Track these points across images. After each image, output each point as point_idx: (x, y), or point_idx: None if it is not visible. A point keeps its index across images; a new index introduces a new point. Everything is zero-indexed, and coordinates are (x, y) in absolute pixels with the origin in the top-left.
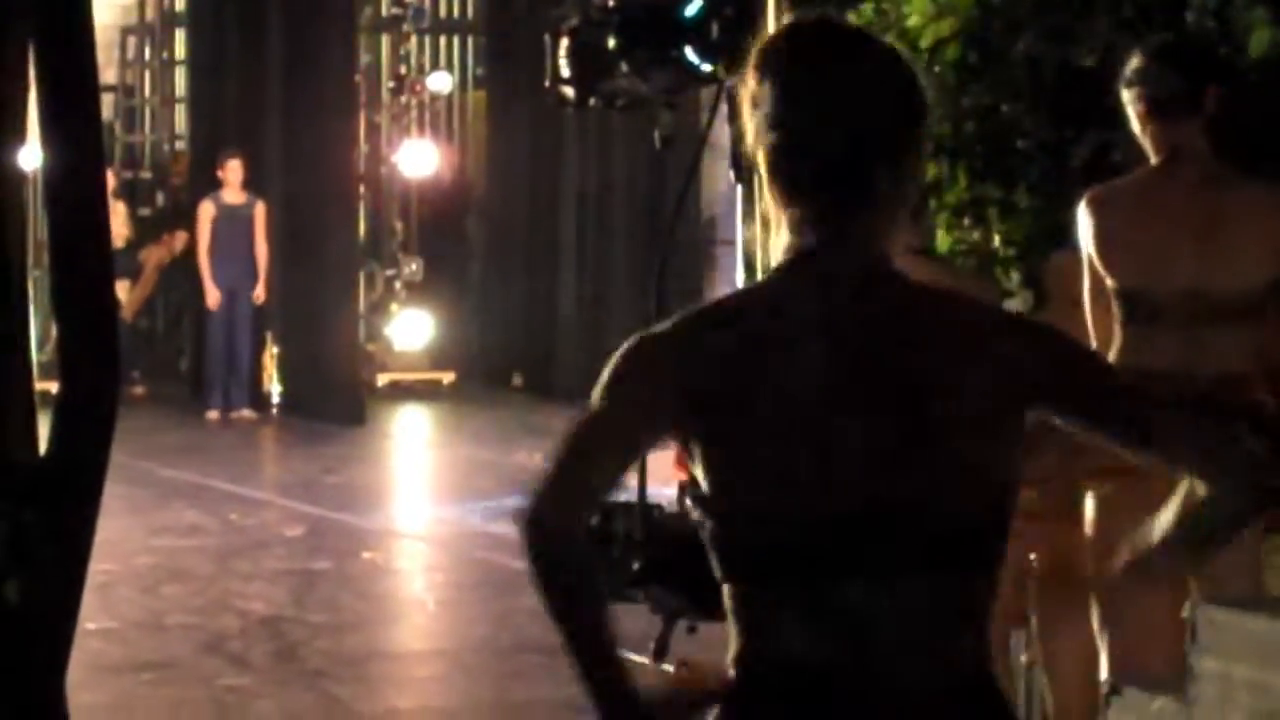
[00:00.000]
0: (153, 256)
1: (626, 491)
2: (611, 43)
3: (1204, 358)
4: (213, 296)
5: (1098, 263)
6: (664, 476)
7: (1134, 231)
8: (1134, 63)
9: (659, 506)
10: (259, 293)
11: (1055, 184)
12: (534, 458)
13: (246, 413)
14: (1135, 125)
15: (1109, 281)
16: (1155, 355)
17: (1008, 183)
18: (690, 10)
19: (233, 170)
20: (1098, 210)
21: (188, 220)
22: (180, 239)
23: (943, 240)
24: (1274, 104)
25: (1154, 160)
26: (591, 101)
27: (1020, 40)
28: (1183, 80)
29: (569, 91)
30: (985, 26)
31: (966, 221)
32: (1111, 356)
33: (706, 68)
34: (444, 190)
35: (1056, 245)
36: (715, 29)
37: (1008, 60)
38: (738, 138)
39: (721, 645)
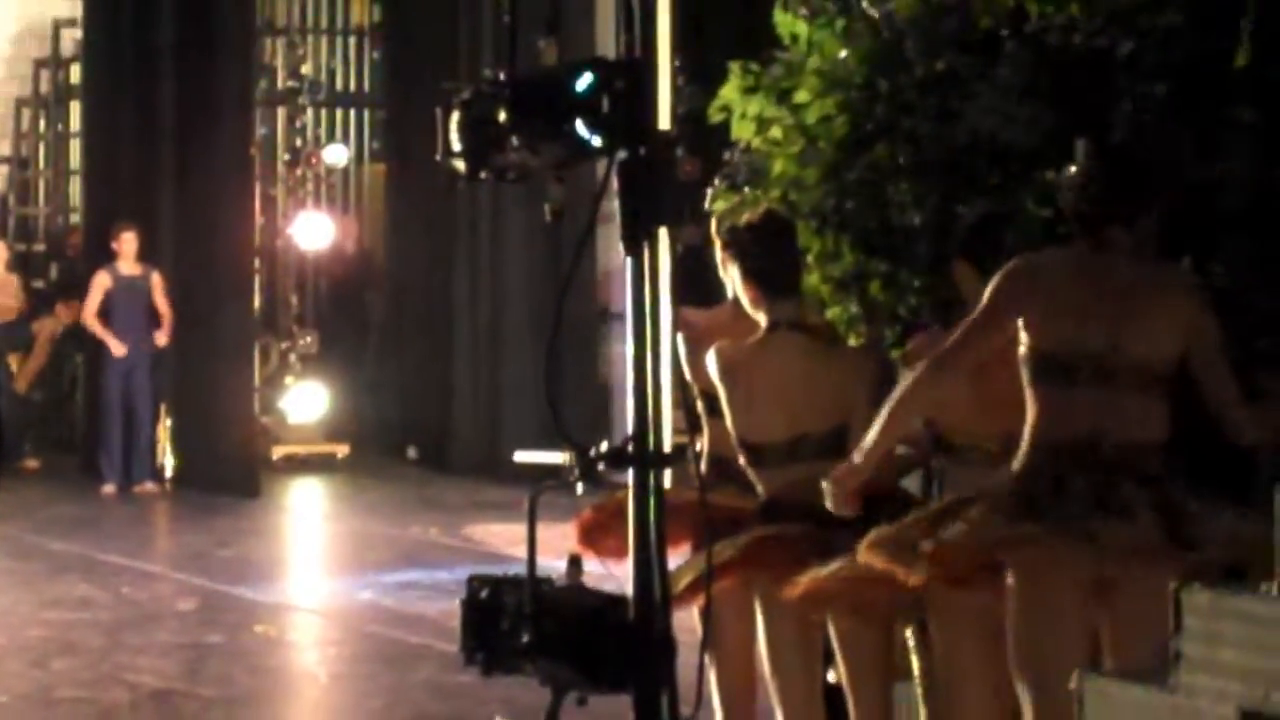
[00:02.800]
0: (45, 328)
1: (516, 565)
2: (502, 116)
3: (1114, 423)
4: (117, 347)
5: (1020, 327)
6: (555, 550)
7: (1054, 300)
8: (1074, 166)
9: (549, 580)
10: (162, 337)
11: (940, 260)
12: (428, 532)
13: (149, 485)
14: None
15: (1026, 343)
16: (1068, 421)
17: (893, 257)
18: (581, 85)
19: (127, 242)
20: (1022, 274)
21: (83, 293)
22: (74, 309)
23: (828, 312)
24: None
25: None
26: (482, 175)
27: (905, 120)
28: (1116, 194)
29: (460, 164)
30: (871, 103)
31: (849, 295)
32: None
33: (596, 141)
34: (341, 263)
35: (941, 321)
36: (605, 103)
37: (893, 137)
38: (629, 211)
39: (608, 716)
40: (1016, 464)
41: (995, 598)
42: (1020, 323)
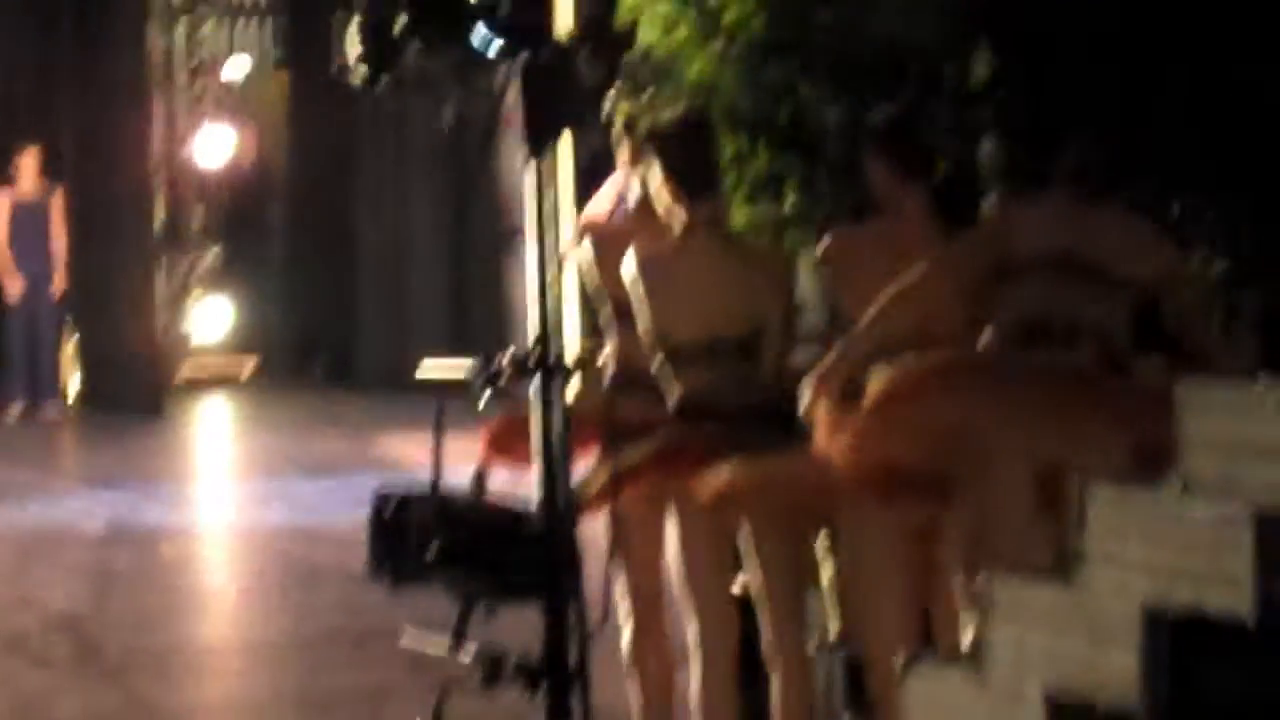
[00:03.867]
0: None
1: (423, 479)
2: (402, 22)
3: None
4: (14, 285)
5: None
6: (463, 462)
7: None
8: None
9: (455, 493)
10: (56, 285)
11: (853, 161)
12: (335, 447)
13: (53, 406)
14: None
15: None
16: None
17: (809, 158)
18: None
19: (26, 163)
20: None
21: None
22: None
23: (739, 214)
24: None
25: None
26: (383, 81)
27: (819, 19)
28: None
29: (360, 71)
30: (786, 4)
31: (764, 196)
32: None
33: (496, 46)
34: (244, 176)
35: (854, 220)
36: (505, 6)
37: (808, 37)
38: (530, 116)
39: (519, 629)
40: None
41: (905, 509)
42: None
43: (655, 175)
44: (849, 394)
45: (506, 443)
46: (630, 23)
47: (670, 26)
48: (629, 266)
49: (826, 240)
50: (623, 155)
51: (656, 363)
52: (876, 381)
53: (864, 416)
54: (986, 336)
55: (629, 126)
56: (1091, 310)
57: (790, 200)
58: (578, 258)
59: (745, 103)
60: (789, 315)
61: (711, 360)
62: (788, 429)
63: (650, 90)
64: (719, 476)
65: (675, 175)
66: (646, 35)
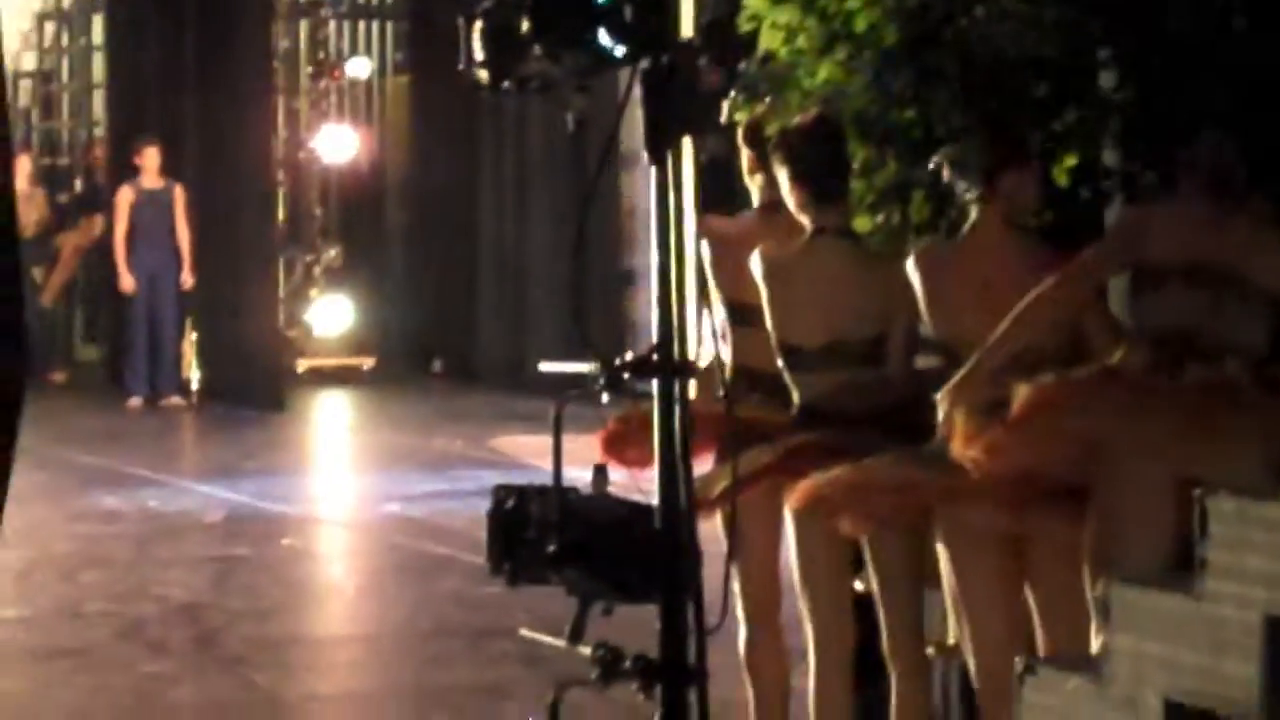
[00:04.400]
0: (70, 241)
1: (542, 476)
2: (525, 26)
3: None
4: (127, 282)
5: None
6: (582, 461)
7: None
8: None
9: (575, 490)
10: (186, 277)
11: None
12: (454, 443)
13: (175, 399)
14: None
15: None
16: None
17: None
18: None
19: (149, 156)
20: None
21: (107, 206)
22: (97, 223)
23: (862, 223)
24: None
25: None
26: (505, 85)
27: (951, 27)
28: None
29: (483, 75)
30: (920, 12)
31: (891, 205)
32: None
33: (618, 50)
34: (364, 176)
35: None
36: (628, 12)
37: (940, 46)
38: (651, 120)
39: (636, 627)
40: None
41: (995, 514)
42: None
43: (784, 178)
44: (984, 406)
45: (622, 444)
46: (751, 30)
47: (791, 35)
48: (755, 268)
49: (912, 257)
50: (744, 161)
51: (780, 363)
52: (1021, 393)
53: (1005, 427)
54: (1124, 348)
55: (751, 133)
56: (1232, 322)
57: (917, 208)
58: (700, 260)
59: (874, 110)
60: (913, 321)
61: (834, 364)
62: (912, 435)
63: (770, 97)
64: (809, 483)
65: (804, 179)
66: (767, 42)
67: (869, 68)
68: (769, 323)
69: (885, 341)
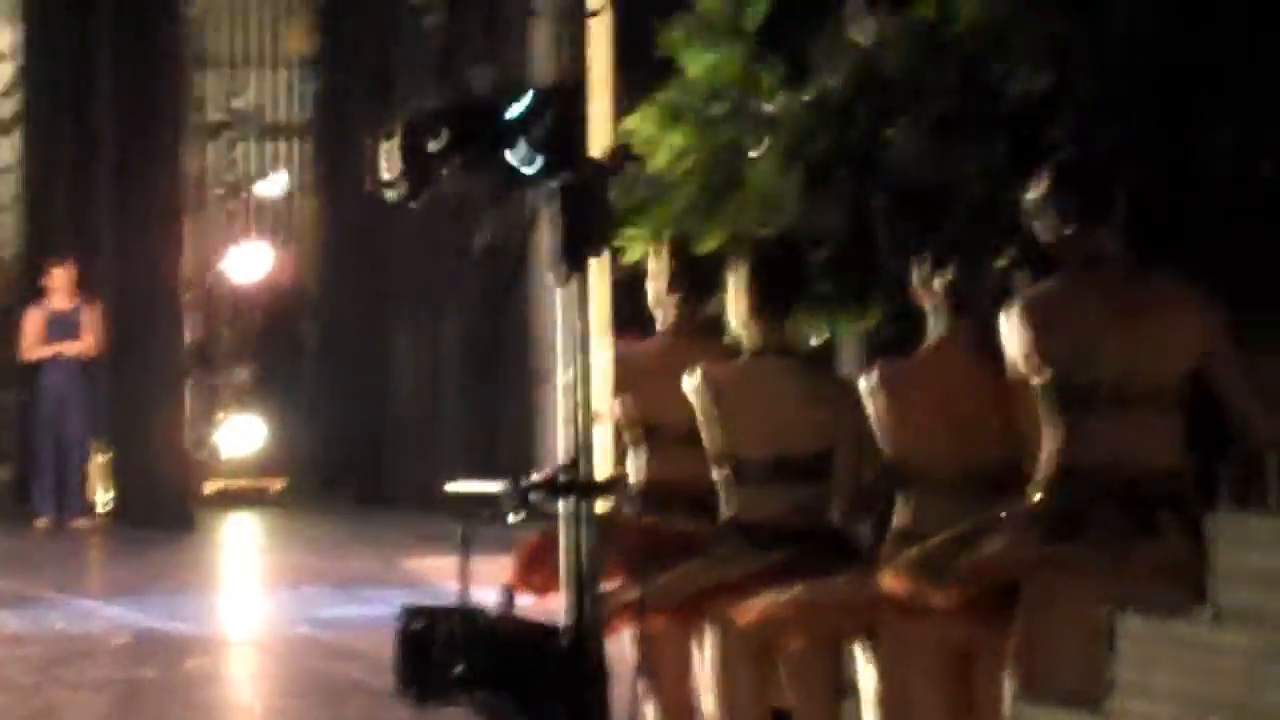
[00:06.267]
0: None
1: (452, 597)
2: (436, 145)
3: (1136, 448)
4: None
5: (1029, 362)
6: (491, 581)
7: (1061, 328)
8: (1043, 185)
9: (482, 610)
10: (88, 344)
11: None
12: (365, 564)
13: (82, 520)
14: (1051, 245)
15: (1038, 379)
16: (1090, 448)
17: (869, 276)
18: (513, 112)
19: (58, 278)
20: (1026, 311)
21: (16, 328)
22: None
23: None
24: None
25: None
26: (418, 200)
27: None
28: (1088, 195)
29: (392, 193)
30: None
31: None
32: (1046, 451)
33: (530, 169)
34: (275, 295)
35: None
36: (539, 133)
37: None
38: (561, 239)
39: None
40: (1039, 491)
41: (947, 627)
42: (1034, 355)
43: (739, 287)
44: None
45: (536, 566)
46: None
47: (683, 155)
48: (692, 386)
49: (872, 374)
50: (658, 279)
51: (719, 479)
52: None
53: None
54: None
55: (678, 248)
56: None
57: (844, 320)
58: (608, 378)
59: (807, 215)
60: (860, 437)
61: (778, 478)
62: (849, 554)
63: (673, 220)
64: (762, 603)
65: (758, 296)
66: (660, 162)
67: (800, 175)
68: (709, 439)
69: (832, 455)
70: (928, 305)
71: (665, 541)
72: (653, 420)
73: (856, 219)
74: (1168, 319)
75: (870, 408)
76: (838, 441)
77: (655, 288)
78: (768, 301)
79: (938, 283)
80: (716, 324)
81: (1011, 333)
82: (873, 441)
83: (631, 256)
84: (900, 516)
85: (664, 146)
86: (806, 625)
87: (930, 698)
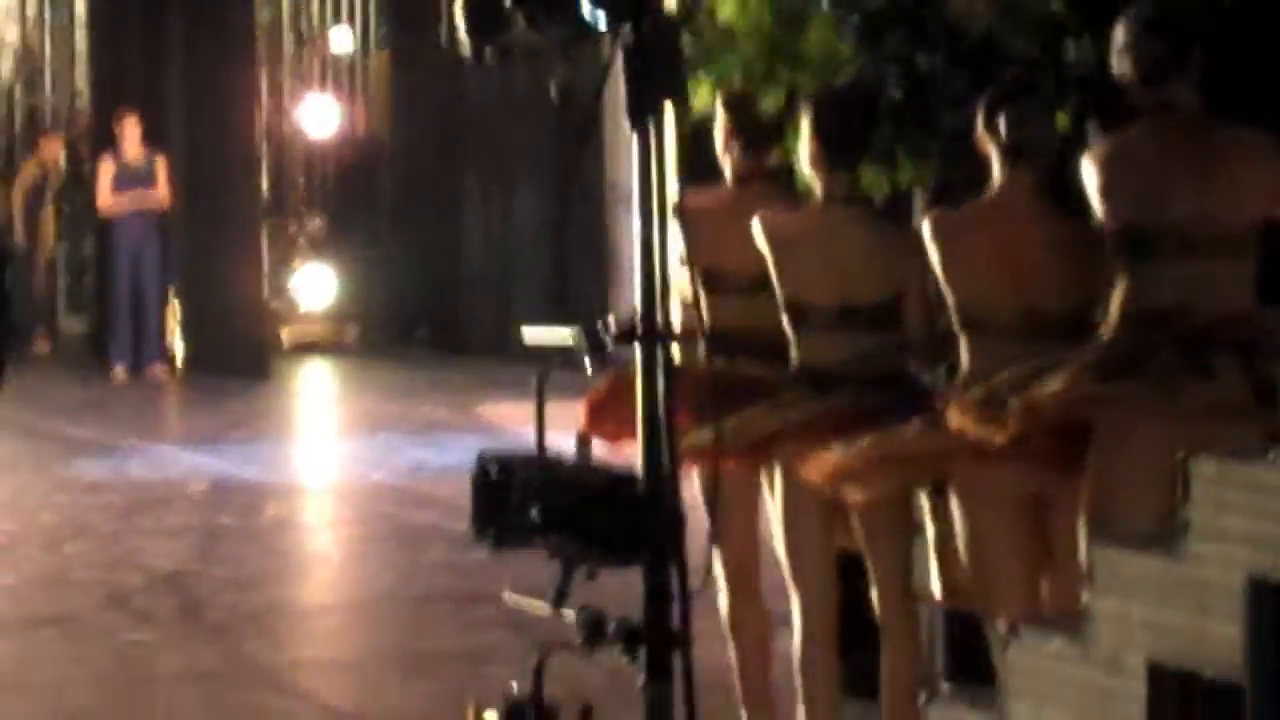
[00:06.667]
0: (28, 170)
1: (526, 443)
2: None
3: (1202, 295)
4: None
5: (1100, 209)
6: (566, 428)
7: (1133, 173)
8: (1122, 31)
9: (558, 456)
10: (162, 195)
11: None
12: (439, 411)
13: (159, 369)
14: (1129, 88)
15: (1108, 224)
16: (1156, 294)
17: (926, 129)
18: None
19: (129, 128)
20: (1095, 160)
21: (90, 178)
22: (54, 145)
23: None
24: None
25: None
26: (488, 55)
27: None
28: (1170, 45)
29: (464, 46)
30: None
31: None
32: (1114, 298)
33: (601, 20)
34: (348, 147)
35: (968, 190)
36: None
37: (925, 11)
38: (633, 88)
39: (620, 592)
40: (1105, 334)
41: (1023, 473)
42: (1105, 201)
43: (807, 133)
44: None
45: (605, 414)
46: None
47: (742, 7)
48: (758, 234)
49: (928, 222)
50: (720, 129)
51: (787, 325)
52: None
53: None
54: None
55: (736, 101)
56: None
57: (906, 171)
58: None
59: (861, 74)
60: (927, 286)
61: (847, 327)
62: (916, 401)
63: (741, 67)
64: (832, 456)
65: (825, 143)
66: (725, 13)
67: (855, 30)
68: (777, 285)
69: (899, 306)
70: (990, 152)
71: (733, 386)
72: (716, 268)
73: (912, 77)
74: (1239, 167)
75: (931, 256)
76: (906, 290)
77: (717, 138)
78: (835, 149)
79: (998, 130)
80: (780, 173)
81: (1087, 179)
82: (940, 291)
83: (700, 105)
84: (965, 363)
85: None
86: (877, 478)
87: (1005, 544)
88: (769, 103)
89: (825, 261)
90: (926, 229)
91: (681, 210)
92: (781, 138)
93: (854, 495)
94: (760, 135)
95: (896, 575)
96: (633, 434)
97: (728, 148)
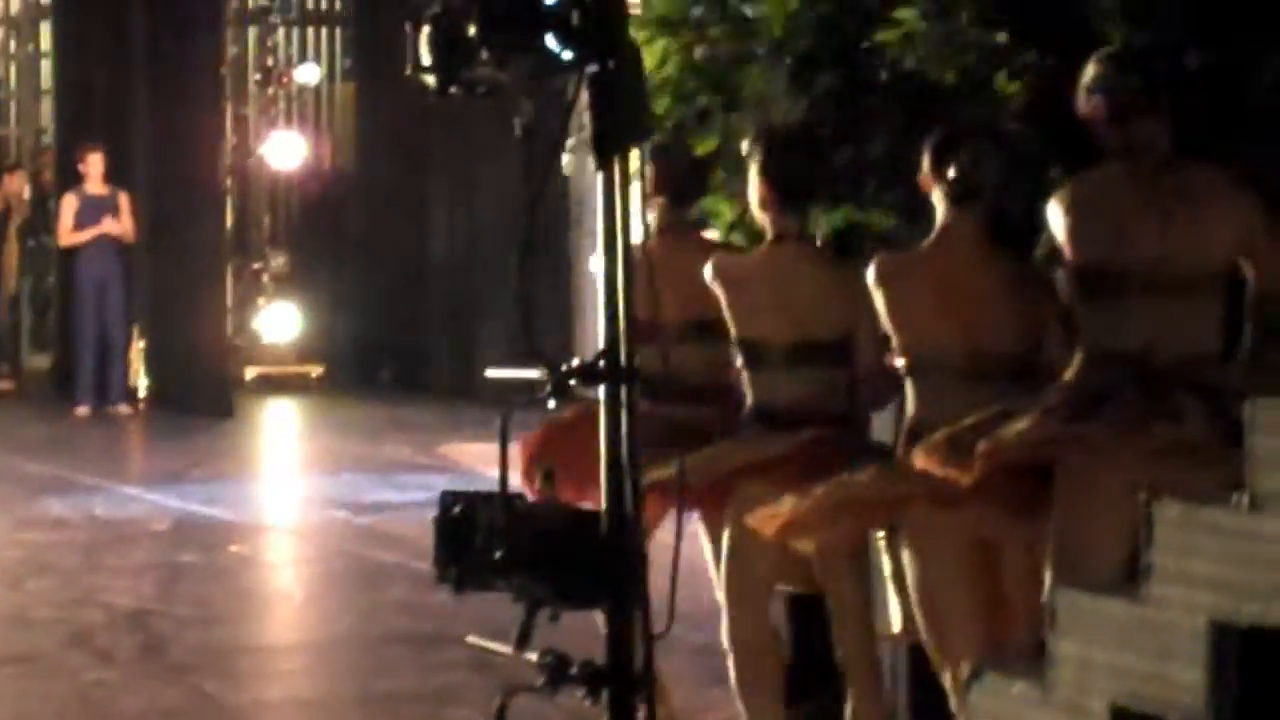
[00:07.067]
0: None
1: (490, 483)
2: (472, 31)
3: (1167, 336)
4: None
5: (1065, 249)
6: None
7: (1100, 215)
8: (1093, 70)
9: (520, 496)
10: (125, 226)
11: (905, 173)
12: (402, 450)
13: (122, 407)
14: (1097, 127)
15: (1073, 259)
16: (1120, 334)
17: (859, 170)
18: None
19: (93, 163)
20: (1064, 203)
21: (53, 213)
22: (16, 179)
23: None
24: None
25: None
26: (453, 90)
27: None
28: (1141, 83)
29: (430, 80)
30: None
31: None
32: (1079, 338)
33: (566, 55)
34: (313, 182)
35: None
36: (575, 17)
37: (855, 57)
38: (599, 125)
39: (583, 633)
40: (1069, 375)
41: (977, 517)
42: (1067, 241)
43: (755, 174)
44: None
45: (545, 455)
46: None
47: (661, 59)
48: (712, 275)
49: (873, 265)
50: (646, 181)
51: (741, 365)
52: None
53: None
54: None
55: (657, 155)
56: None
57: (841, 211)
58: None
59: (796, 113)
60: (877, 321)
61: (798, 362)
62: (865, 440)
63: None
64: (784, 509)
65: (774, 181)
66: (649, 64)
67: (786, 74)
68: (731, 326)
69: (850, 343)
70: (935, 193)
71: (678, 429)
72: (642, 316)
73: (847, 115)
74: (1206, 209)
75: (876, 299)
76: (857, 327)
77: (640, 189)
78: (784, 191)
79: (945, 171)
80: (702, 224)
81: (1053, 220)
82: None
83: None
84: (912, 406)
85: (650, 51)
86: (831, 526)
87: (959, 590)
88: (704, 148)
89: (778, 300)
90: (871, 272)
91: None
92: (705, 191)
93: (806, 547)
94: (686, 188)
95: (858, 614)
96: (570, 486)
97: (653, 200)
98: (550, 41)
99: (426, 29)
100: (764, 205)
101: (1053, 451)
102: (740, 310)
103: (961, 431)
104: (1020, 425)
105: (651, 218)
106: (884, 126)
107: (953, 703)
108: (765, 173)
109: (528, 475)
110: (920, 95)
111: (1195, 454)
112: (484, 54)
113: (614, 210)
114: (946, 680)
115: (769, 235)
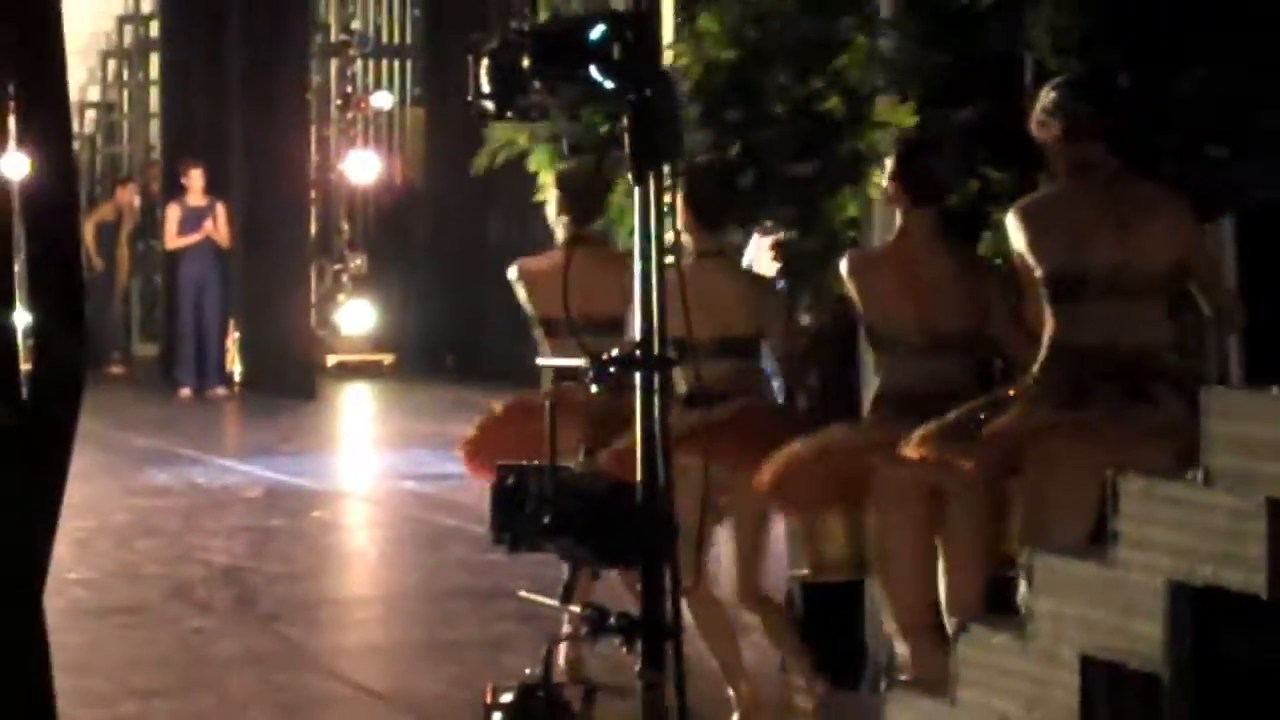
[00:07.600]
0: (100, 214)
1: (539, 456)
2: (526, 63)
3: (1124, 332)
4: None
5: (1029, 258)
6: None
7: (1059, 227)
8: (1049, 96)
9: (567, 468)
10: (221, 231)
11: (810, 205)
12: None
13: (219, 390)
14: (1050, 151)
15: (1039, 271)
16: (1083, 332)
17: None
18: (594, 35)
19: (194, 178)
20: (1024, 215)
21: (160, 221)
22: (128, 191)
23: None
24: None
25: (1065, 178)
26: (508, 114)
27: (769, 76)
28: (1094, 108)
29: (488, 105)
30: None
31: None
32: (1045, 332)
33: (609, 85)
34: (388, 194)
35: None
36: (616, 50)
37: (761, 90)
38: (636, 147)
39: (620, 590)
40: (1036, 368)
41: (922, 472)
42: (1031, 254)
43: (681, 202)
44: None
45: (480, 455)
46: None
47: None
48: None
49: (845, 261)
50: (552, 203)
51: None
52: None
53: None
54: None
55: (562, 181)
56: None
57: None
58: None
59: (707, 141)
60: (785, 318)
61: (722, 354)
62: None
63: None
64: (773, 463)
65: (695, 211)
66: None
67: (700, 111)
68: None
69: (761, 338)
70: (895, 194)
71: (615, 412)
72: (549, 316)
73: (749, 146)
74: (1153, 219)
75: (849, 288)
76: (767, 323)
77: (549, 209)
78: (703, 215)
79: (908, 175)
80: (602, 238)
81: (1013, 231)
82: (796, 321)
83: (537, 169)
84: (881, 377)
85: None
86: (807, 484)
87: (912, 549)
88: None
89: (704, 303)
90: (844, 266)
91: (521, 272)
92: (604, 211)
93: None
94: (588, 208)
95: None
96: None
97: (559, 218)
98: (594, 72)
99: (486, 61)
100: (688, 227)
101: (1046, 437)
102: (674, 311)
103: (947, 425)
104: (1012, 415)
105: (559, 232)
106: (781, 152)
107: (898, 647)
108: (687, 201)
109: (471, 465)
110: (819, 124)
111: (1173, 433)
112: (536, 83)
113: (649, 220)
114: (890, 626)
115: (693, 251)
